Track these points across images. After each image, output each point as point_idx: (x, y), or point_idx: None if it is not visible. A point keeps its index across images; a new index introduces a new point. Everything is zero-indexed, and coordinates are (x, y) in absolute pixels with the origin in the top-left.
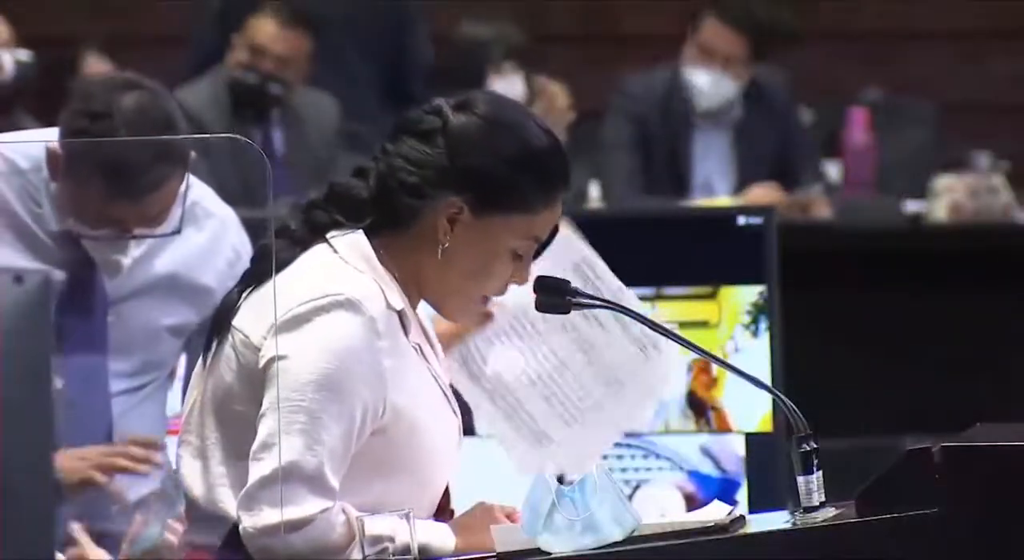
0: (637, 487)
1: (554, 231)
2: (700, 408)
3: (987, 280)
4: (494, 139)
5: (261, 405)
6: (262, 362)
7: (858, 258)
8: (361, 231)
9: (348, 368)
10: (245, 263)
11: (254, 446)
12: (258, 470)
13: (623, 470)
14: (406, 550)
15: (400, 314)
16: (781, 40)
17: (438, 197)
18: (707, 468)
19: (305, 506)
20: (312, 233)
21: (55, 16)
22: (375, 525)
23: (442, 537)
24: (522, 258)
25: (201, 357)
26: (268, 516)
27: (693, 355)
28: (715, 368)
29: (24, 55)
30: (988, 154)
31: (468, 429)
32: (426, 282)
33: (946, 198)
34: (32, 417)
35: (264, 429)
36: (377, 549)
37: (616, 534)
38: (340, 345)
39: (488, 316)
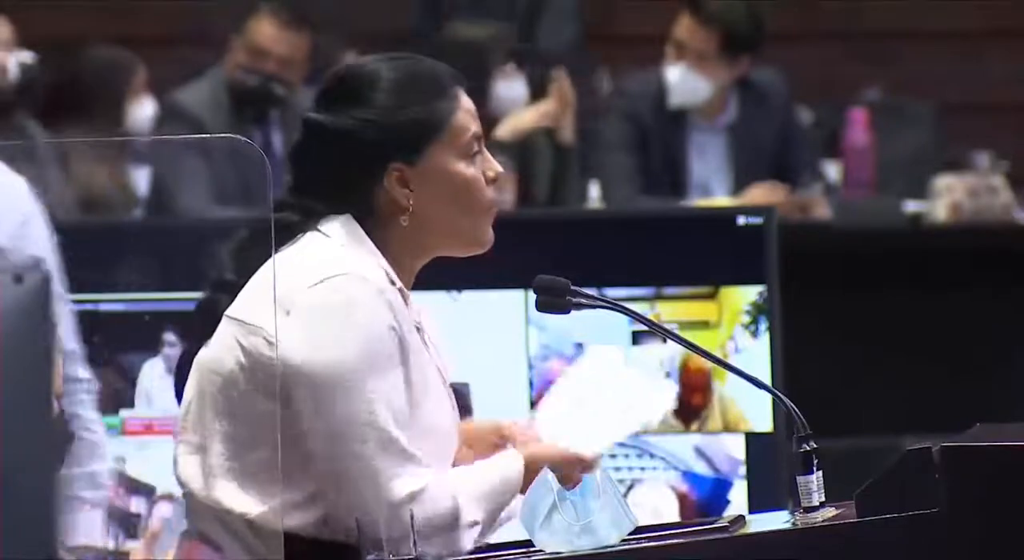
0: (631, 487)
1: None
2: (689, 414)
3: (987, 280)
4: (379, 98)
5: (269, 394)
6: (276, 353)
7: (858, 258)
8: (349, 215)
9: (376, 340)
10: (35, 227)
11: (333, 449)
12: (355, 454)
13: (617, 469)
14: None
15: (401, 292)
16: (757, 39)
17: (375, 180)
18: (701, 468)
19: (413, 479)
20: (249, 275)
21: (56, 16)
22: (468, 498)
23: (510, 473)
24: (478, 153)
25: (194, 358)
26: (393, 493)
27: (670, 350)
28: (710, 370)
29: (27, 57)
30: (988, 154)
31: None
32: (420, 248)
33: (946, 198)
34: (32, 417)
35: (328, 429)
36: (474, 533)
37: (613, 537)
38: (362, 319)
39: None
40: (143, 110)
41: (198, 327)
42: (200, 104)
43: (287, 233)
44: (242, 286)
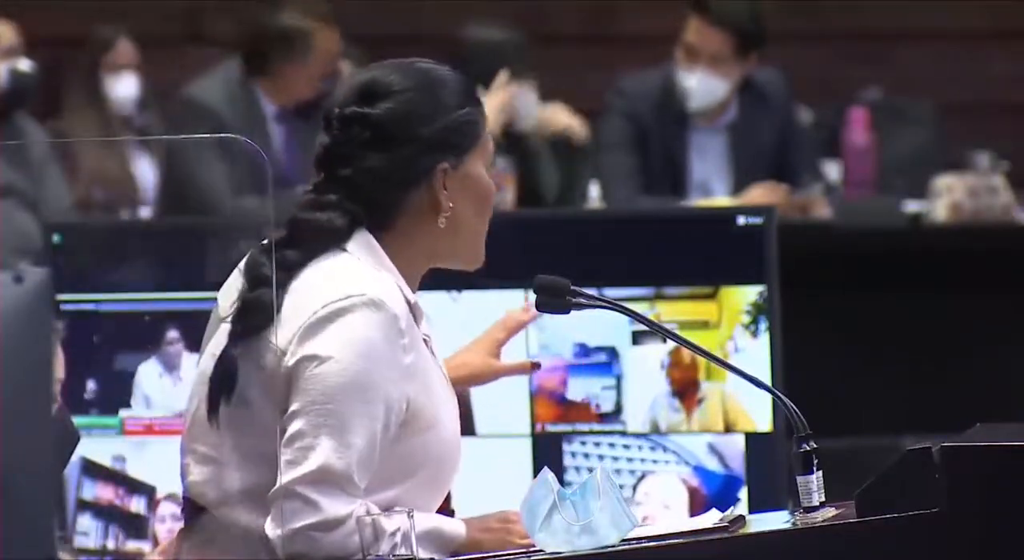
0: (642, 478)
1: None
2: (687, 397)
3: (987, 280)
4: (428, 97)
5: (280, 408)
6: (287, 365)
7: (858, 258)
8: (366, 229)
9: (374, 368)
10: None
11: (285, 449)
12: (289, 473)
13: (629, 460)
14: (409, 539)
15: (412, 307)
16: (763, 36)
17: (423, 178)
18: (712, 465)
19: (337, 507)
20: (288, 272)
21: (56, 16)
22: (389, 523)
23: (453, 525)
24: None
25: (225, 376)
26: (301, 518)
27: (668, 348)
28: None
29: (24, 65)
30: (988, 154)
31: (468, 429)
32: (438, 253)
33: (946, 198)
34: (32, 417)
35: (294, 431)
36: (391, 544)
37: (613, 537)
38: (366, 346)
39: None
40: (124, 86)
41: (250, 323)
42: (215, 98)
43: (333, 236)
44: (283, 283)
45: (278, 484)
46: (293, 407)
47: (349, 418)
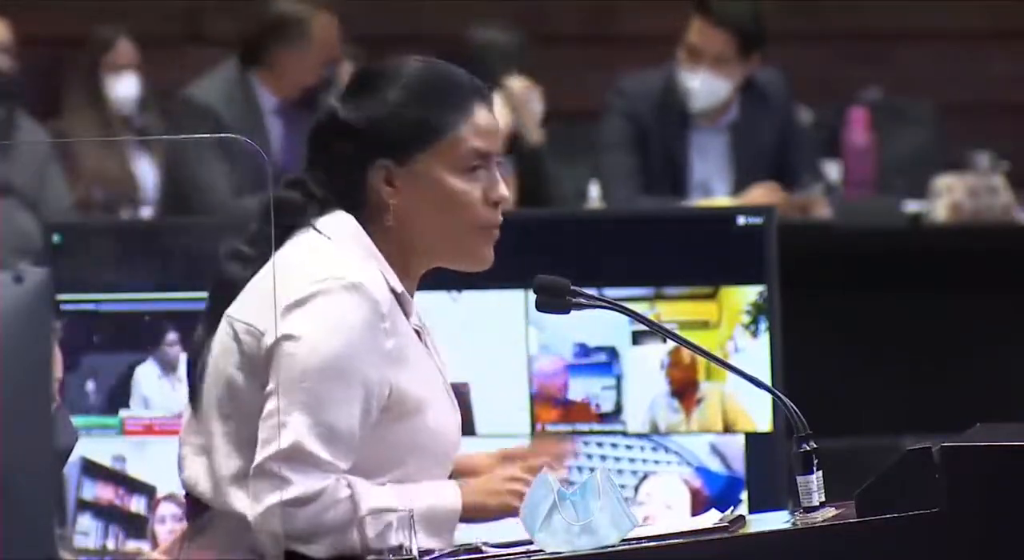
0: (644, 478)
1: None
2: (686, 397)
3: (987, 280)
4: (391, 95)
5: (264, 390)
6: (266, 346)
7: (858, 258)
8: (346, 213)
9: (352, 350)
10: None
11: (261, 426)
12: (263, 451)
13: (631, 461)
14: (408, 522)
15: (399, 296)
16: (764, 36)
17: (364, 173)
18: (715, 465)
19: (310, 483)
20: (264, 247)
21: (56, 16)
22: (376, 498)
23: (449, 499)
24: (479, 169)
25: (196, 359)
26: (273, 495)
27: (667, 348)
28: (689, 357)
29: None
30: (988, 154)
31: (468, 429)
32: (415, 251)
33: (946, 198)
34: (32, 417)
35: (268, 410)
36: (382, 523)
37: (613, 537)
38: (345, 328)
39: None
40: (124, 86)
41: (216, 300)
42: (214, 97)
43: (292, 211)
44: (255, 258)
45: (254, 462)
46: (269, 387)
47: (324, 397)
